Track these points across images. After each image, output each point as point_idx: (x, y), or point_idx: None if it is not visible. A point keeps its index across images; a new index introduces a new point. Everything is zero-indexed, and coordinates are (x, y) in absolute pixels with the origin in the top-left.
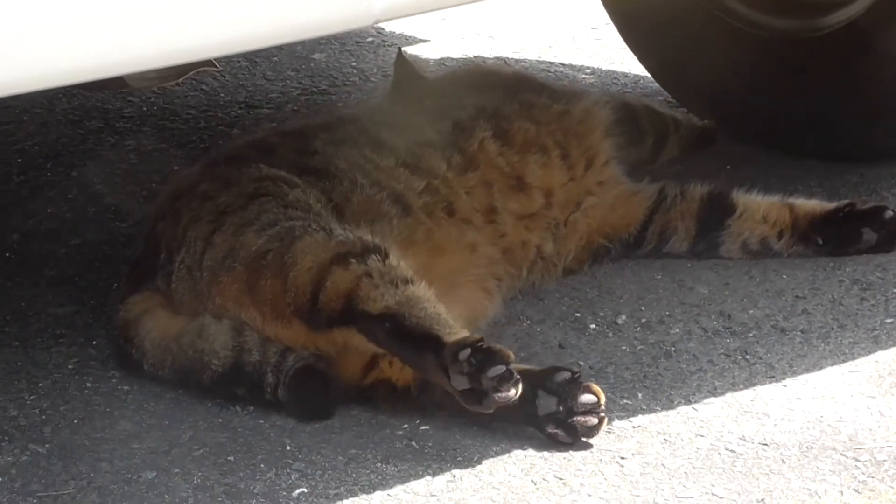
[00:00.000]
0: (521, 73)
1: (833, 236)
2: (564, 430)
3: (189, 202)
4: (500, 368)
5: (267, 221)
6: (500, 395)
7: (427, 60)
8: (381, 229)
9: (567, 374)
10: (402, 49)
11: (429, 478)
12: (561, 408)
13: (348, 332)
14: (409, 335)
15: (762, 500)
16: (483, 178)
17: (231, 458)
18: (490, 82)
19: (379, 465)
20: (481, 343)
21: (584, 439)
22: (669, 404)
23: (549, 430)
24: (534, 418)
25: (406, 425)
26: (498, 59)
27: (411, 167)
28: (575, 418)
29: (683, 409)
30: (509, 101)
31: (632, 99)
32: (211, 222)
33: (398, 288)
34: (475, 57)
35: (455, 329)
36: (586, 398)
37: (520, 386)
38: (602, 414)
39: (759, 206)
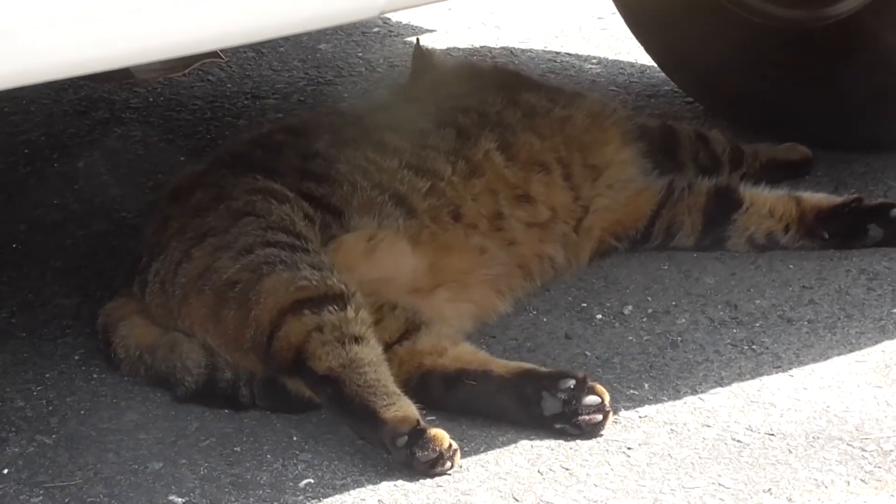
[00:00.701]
0: (515, 71)
1: (839, 231)
2: (570, 426)
3: (181, 210)
4: (431, 454)
5: (244, 246)
6: (433, 471)
7: (433, 50)
8: (389, 225)
9: (572, 382)
10: (419, 40)
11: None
12: (566, 409)
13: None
14: (348, 404)
15: (768, 490)
16: (489, 186)
17: (238, 449)
18: (488, 83)
19: (386, 455)
20: (418, 426)
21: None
22: (676, 394)
23: (557, 427)
24: (539, 419)
25: None
26: (504, 49)
27: (415, 168)
28: (579, 418)
29: (690, 399)
30: (511, 106)
31: (679, 126)
32: (194, 238)
33: (344, 347)
34: (481, 47)
35: (392, 399)
36: (590, 400)
37: (456, 459)
38: (607, 409)
39: (765, 200)
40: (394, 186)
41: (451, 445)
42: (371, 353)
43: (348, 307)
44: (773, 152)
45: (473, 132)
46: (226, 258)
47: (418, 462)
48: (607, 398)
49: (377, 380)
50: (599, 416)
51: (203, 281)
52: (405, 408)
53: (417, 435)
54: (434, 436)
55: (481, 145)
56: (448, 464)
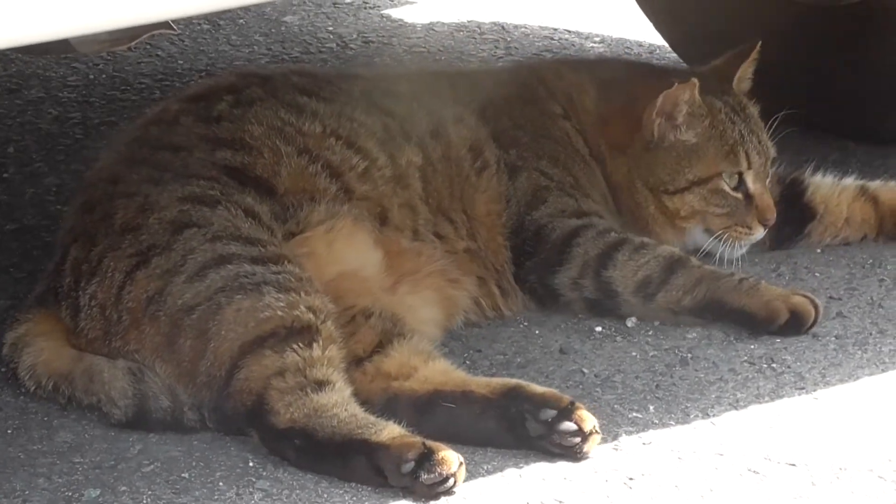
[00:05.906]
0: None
1: None
2: (551, 445)
3: (105, 226)
4: (437, 478)
5: (195, 269)
6: (436, 493)
7: (413, 25)
8: (329, 211)
9: (553, 413)
10: None
11: (409, 501)
12: (547, 431)
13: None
14: (326, 446)
15: None
16: (409, 203)
17: (186, 476)
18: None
19: (353, 485)
20: (425, 449)
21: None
22: (685, 418)
23: (545, 444)
24: (526, 440)
25: None
26: (495, 24)
27: (345, 141)
28: (562, 442)
29: (700, 423)
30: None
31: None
32: (133, 256)
33: (308, 396)
34: (468, 22)
35: (378, 425)
36: (566, 426)
37: (461, 475)
38: (591, 432)
39: (839, 203)
40: (325, 156)
41: (460, 464)
42: (336, 396)
43: (314, 344)
44: None
45: (399, 137)
46: (178, 283)
47: (421, 485)
48: (588, 424)
49: (353, 415)
50: (577, 439)
51: (156, 306)
52: (398, 430)
53: (425, 458)
54: (443, 459)
55: (406, 153)
56: (452, 481)
